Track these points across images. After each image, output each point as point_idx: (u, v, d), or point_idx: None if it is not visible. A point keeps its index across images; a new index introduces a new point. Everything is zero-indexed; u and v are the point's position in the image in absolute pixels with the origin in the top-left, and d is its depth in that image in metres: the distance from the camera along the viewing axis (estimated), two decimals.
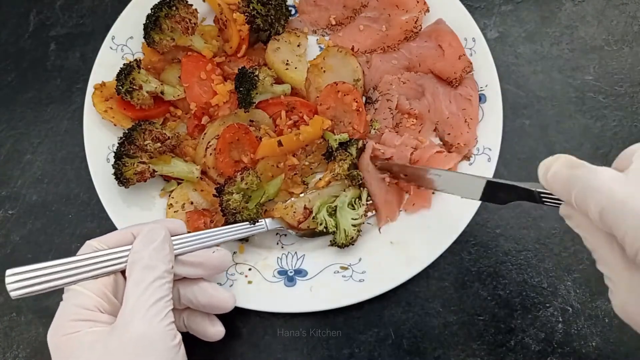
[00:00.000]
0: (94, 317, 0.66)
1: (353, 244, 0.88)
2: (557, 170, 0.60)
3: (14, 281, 0.66)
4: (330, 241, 0.88)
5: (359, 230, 0.88)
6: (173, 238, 0.77)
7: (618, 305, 0.57)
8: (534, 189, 0.66)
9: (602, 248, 0.57)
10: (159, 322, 0.66)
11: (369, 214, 0.91)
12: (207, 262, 0.78)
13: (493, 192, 0.74)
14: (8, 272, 0.67)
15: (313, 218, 0.89)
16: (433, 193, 0.90)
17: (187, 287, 0.78)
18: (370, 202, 0.91)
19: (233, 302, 0.80)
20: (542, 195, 0.65)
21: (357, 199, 0.90)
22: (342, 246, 0.87)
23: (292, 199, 0.92)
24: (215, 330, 0.80)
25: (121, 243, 0.74)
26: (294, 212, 0.90)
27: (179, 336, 0.69)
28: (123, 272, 0.72)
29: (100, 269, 0.70)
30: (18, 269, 0.67)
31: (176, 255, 0.76)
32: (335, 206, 0.89)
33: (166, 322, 0.67)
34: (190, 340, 0.78)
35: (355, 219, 0.87)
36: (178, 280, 0.78)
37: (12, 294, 0.66)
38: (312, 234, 0.90)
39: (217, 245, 0.81)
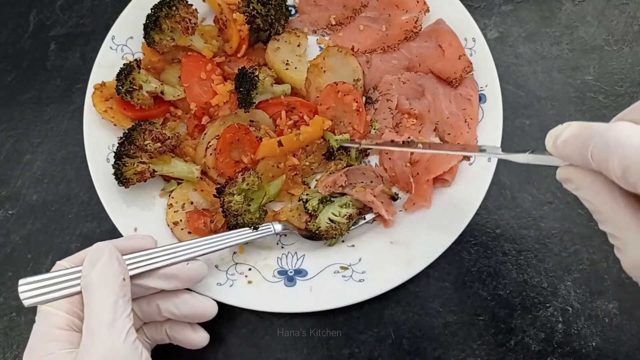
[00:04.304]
0: (67, 337, 0.66)
1: (319, 237, 0.87)
2: (570, 134, 0.57)
3: (25, 290, 0.68)
4: (305, 227, 0.89)
5: (332, 228, 0.86)
6: (183, 244, 0.77)
7: (629, 263, 0.55)
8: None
9: (607, 208, 0.56)
10: (122, 343, 0.65)
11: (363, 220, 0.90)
12: (182, 274, 0.77)
13: None
14: (21, 281, 0.68)
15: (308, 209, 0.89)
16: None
17: (166, 299, 0.78)
18: (367, 221, 0.91)
19: (215, 310, 0.80)
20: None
21: (351, 204, 0.89)
22: (311, 233, 0.87)
23: (298, 202, 0.92)
24: (199, 337, 0.80)
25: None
26: (300, 215, 0.90)
27: (146, 353, 0.68)
28: None
29: (66, 289, 0.70)
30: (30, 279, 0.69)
31: (155, 269, 0.75)
32: (332, 200, 0.89)
33: (129, 340, 0.66)
34: None
35: (335, 216, 0.86)
36: (156, 293, 0.77)
37: (26, 303, 0.68)
38: (313, 236, 0.89)
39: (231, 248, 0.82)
